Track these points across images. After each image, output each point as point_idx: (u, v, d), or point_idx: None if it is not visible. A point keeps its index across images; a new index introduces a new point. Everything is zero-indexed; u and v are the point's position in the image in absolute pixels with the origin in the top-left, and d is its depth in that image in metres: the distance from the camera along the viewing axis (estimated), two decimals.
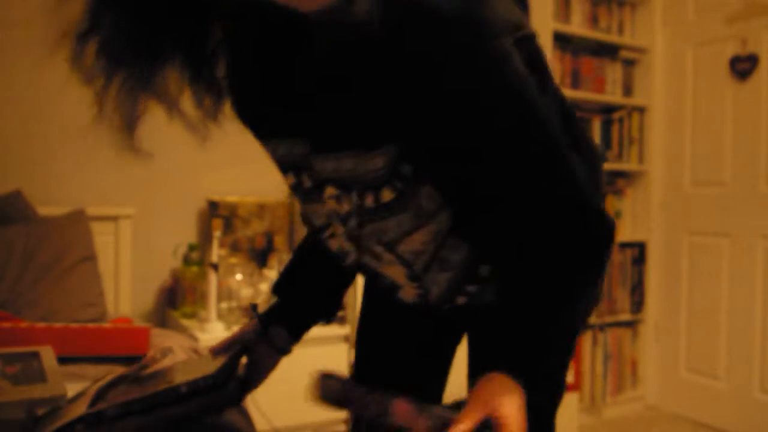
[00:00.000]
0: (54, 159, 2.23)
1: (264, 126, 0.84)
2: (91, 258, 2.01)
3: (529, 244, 0.76)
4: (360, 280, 2.31)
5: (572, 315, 0.80)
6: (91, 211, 2.16)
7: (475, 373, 0.96)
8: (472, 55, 0.65)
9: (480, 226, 0.82)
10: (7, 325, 1.40)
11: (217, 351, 0.98)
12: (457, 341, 1.09)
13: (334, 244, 0.88)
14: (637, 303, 3.08)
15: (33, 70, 2.19)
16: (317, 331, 2.20)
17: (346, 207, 0.79)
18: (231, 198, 2.39)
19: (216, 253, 2.07)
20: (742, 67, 2.73)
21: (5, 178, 2.14)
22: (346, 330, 2.24)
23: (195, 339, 1.92)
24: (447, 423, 0.67)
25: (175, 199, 2.43)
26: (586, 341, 2.91)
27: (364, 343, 1.11)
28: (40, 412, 0.90)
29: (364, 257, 0.86)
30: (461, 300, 0.90)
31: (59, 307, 1.83)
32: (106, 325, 1.52)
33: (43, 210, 2.08)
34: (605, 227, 0.76)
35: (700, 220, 2.94)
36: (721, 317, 2.82)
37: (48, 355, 1.17)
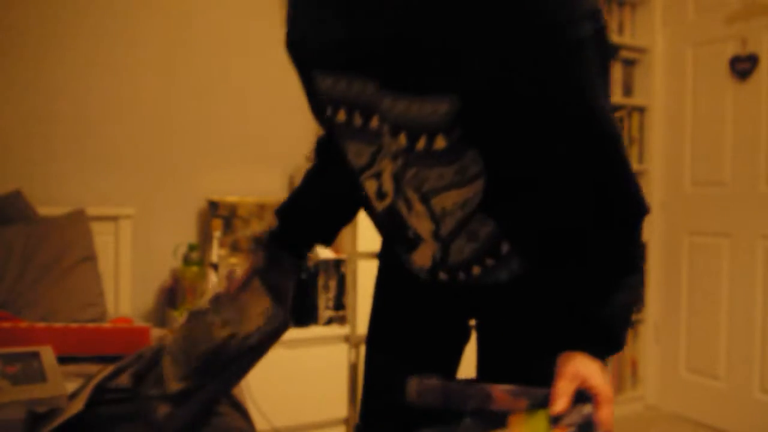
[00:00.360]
0: (54, 159, 2.23)
1: (329, 58, 0.83)
2: (91, 258, 2.01)
3: (581, 226, 0.81)
4: (361, 282, 2.31)
5: (630, 289, 0.82)
6: (91, 211, 2.16)
7: (485, 364, 1.00)
8: (554, 33, 0.69)
9: (518, 204, 0.85)
10: (7, 325, 1.40)
11: (236, 291, 1.01)
12: (467, 339, 1.10)
13: (372, 186, 0.89)
14: None
15: (33, 70, 2.19)
16: (317, 331, 2.21)
17: (393, 147, 0.81)
18: (231, 198, 2.39)
19: (216, 253, 2.07)
20: (742, 67, 2.73)
21: (5, 178, 2.14)
22: (346, 330, 2.24)
23: None
24: (545, 400, 0.73)
25: (175, 199, 2.43)
26: None
27: (376, 346, 1.12)
28: (40, 411, 0.90)
29: (398, 202, 0.88)
30: (476, 270, 0.92)
31: (59, 307, 1.83)
32: (106, 325, 1.52)
33: (43, 210, 2.08)
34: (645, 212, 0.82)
35: (700, 220, 2.94)
36: (721, 317, 2.82)
37: (48, 355, 1.16)
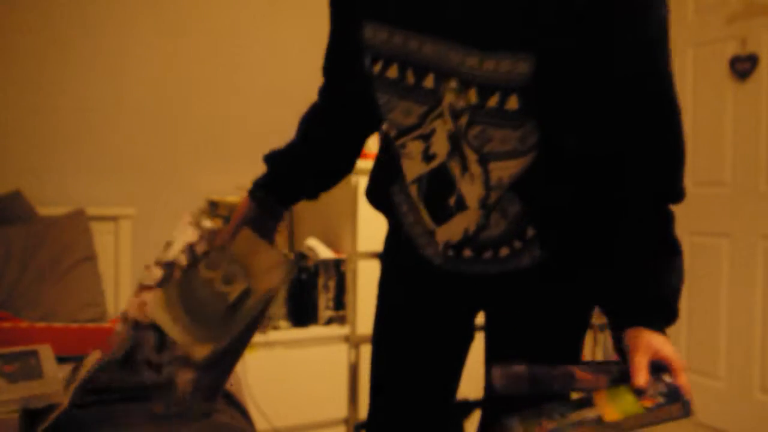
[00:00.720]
0: (54, 159, 2.23)
1: (388, 10, 0.81)
2: (91, 258, 2.01)
3: (634, 197, 0.83)
4: (361, 282, 2.30)
5: (679, 270, 0.85)
6: (91, 211, 2.15)
7: (496, 355, 1.00)
8: (644, 11, 0.75)
9: (559, 186, 0.87)
10: (7, 325, 1.40)
11: (226, 243, 1.01)
12: (472, 338, 1.10)
13: (418, 147, 0.87)
14: None
15: (33, 70, 2.19)
16: (317, 331, 2.20)
17: (461, 103, 0.79)
18: (231, 198, 2.39)
19: None
20: (742, 67, 2.73)
21: (5, 178, 2.14)
22: (346, 330, 2.24)
23: None
24: (622, 375, 0.77)
25: (175, 199, 2.43)
26: (586, 341, 2.91)
27: (384, 347, 1.11)
28: (36, 407, 0.89)
29: (450, 162, 0.86)
30: (503, 251, 0.93)
31: (59, 307, 1.83)
32: (106, 325, 1.52)
33: (43, 210, 2.08)
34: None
35: (700, 220, 2.94)
36: (721, 317, 2.82)
37: (46, 353, 1.16)
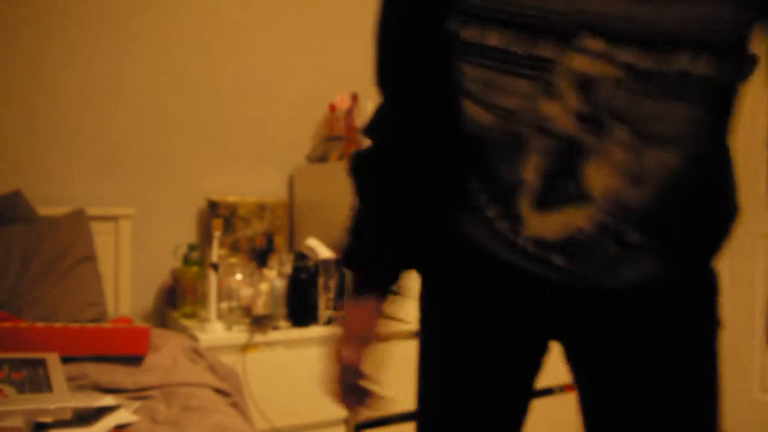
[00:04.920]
0: (54, 159, 2.23)
1: None
2: (91, 258, 2.01)
3: None
4: None
5: None
6: (91, 211, 2.16)
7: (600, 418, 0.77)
8: None
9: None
10: (7, 325, 1.40)
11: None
12: (538, 371, 0.85)
13: (529, 132, 0.64)
14: None
15: (33, 70, 2.19)
16: (317, 331, 2.20)
17: (608, 69, 0.57)
18: (231, 198, 2.39)
19: (216, 253, 2.07)
20: None
21: (5, 178, 2.14)
22: None
23: (195, 339, 1.92)
24: None
25: (175, 199, 2.43)
26: None
27: (429, 385, 0.87)
28: (45, 421, 0.89)
29: (583, 138, 0.62)
30: (598, 256, 0.67)
31: (59, 307, 1.83)
32: (106, 325, 1.52)
33: (43, 210, 2.08)
34: None
35: None
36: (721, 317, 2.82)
37: (54, 363, 1.16)
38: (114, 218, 2.24)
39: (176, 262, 2.37)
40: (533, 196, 0.67)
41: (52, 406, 0.98)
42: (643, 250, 0.66)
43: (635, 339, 0.73)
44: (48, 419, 0.94)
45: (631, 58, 0.56)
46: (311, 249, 2.24)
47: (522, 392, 0.84)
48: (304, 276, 2.18)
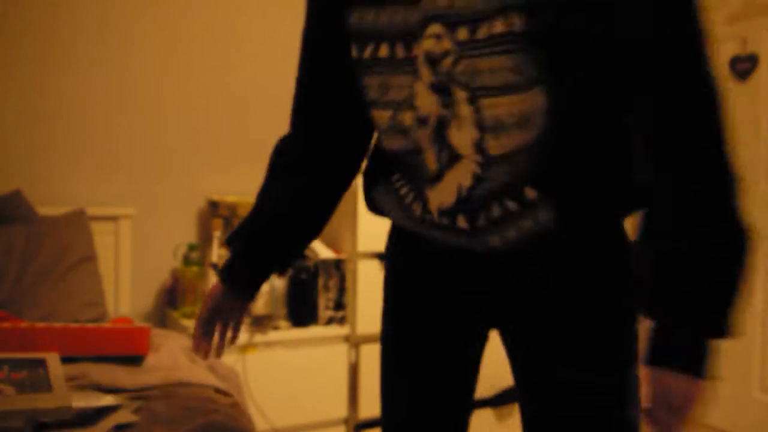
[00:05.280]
0: (54, 159, 2.23)
1: None
2: (91, 258, 2.01)
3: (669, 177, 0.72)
4: (361, 282, 2.30)
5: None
6: (91, 211, 2.16)
7: (524, 369, 0.86)
8: None
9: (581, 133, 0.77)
10: (7, 325, 1.40)
11: (203, 332, 1.01)
12: (485, 342, 0.97)
13: (410, 117, 0.81)
14: None
15: (33, 70, 2.19)
16: (317, 331, 2.21)
17: (446, 45, 0.75)
18: (231, 198, 2.39)
19: (216, 253, 2.07)
20: (742, 67, 2.73)
21: (5, 178, 2.14)
22: (346, 330, 2.24)
23: None
24: None
25: (175, 199, 2.43)
26: None
27: (392, 361, 0.99)
28: (45, 421, 0.89)
29: (441, 113, 0.78)
30: (496, 211, 0.79)
31: (59, 307, 1.83)
32: (106, 325, 1.52)
33: (43, 210, 2.08)
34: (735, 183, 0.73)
35: None
36: None
37: (54, 363, 1.16)
38: (114, 218, 2.25)
39: (176, 262, 2.37)
40: (429, 177, 0.83)
41: (52, 406, 0.97)
42: (537, 203, 0.77)
43: (539, 298, 0.83)
44: (48, 419, 0.94)
45: (461, 34, 0.73)
46: (311, 249, 2.24)
47: (467, 363, 0.95)
48: (304, 276, 2.18)
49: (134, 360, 1.47)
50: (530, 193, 0.77)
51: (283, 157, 1.03)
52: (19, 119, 2.18)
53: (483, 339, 0.96)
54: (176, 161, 2.43)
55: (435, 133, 0.79)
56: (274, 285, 2.14)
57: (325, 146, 1.00)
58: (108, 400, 1.16)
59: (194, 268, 2.25)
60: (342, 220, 2.31)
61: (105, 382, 1.30)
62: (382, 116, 0.85)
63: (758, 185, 2.70)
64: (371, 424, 2.27)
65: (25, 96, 2.19)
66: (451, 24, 0.74)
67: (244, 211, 2.40)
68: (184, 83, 2.43)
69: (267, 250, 1.01)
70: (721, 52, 2.82)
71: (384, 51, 0.81)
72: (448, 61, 0.75)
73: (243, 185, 2.53)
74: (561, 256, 0.81)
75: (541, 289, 0.83)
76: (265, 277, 1.03)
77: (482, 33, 0.72)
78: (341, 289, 2.24)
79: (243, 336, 2.01)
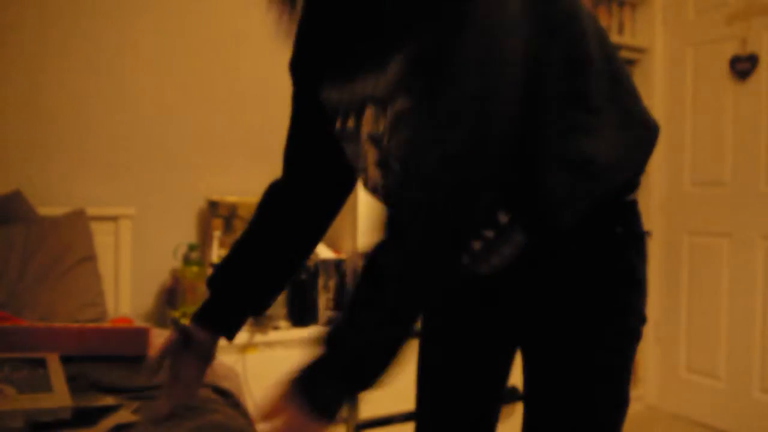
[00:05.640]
0: (54, 159, 2.23)
1: (326, 73, 0.90)
2: (91, 258, 2.01)
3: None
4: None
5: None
6: (91, 211, 2.15)
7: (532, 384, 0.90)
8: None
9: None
10: (7, 325, 1.40)
11: (152, 366, 1.01)
12: (515, 351, 1.01)
13: (370, 183, 0.89)
14: None
15: (33, 70, 2.19)
16: (317, 331, 2.20)
17: (382, 126, 0.80)
18: (231, 198, 2.39)
19: (216, 253, 2.07)
20: (742, 67, 2.73)
21: (5, 178, 2.14)
22: None
23: None
24: None
25: (175, 199, 2.43)
26: None
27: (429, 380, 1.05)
28: (45, 420, 0.89)
29: (385, 183, 0.84)
30: (476, 246, 0.82)
31: (59, 307, 1.83)
32: (106, 325, 1.52)
33: (43, 210, 2.08)
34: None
35: (700, 220, 2.94)
36: (721, 317, 2.82)
37: (54, 363, 1.16)
38: (114, 218, 2.24)
39: (176, 262, 2.37)
40: None
41: (52, 406, 0.97)
42: (511, 227, 0.79)
43: (540, 310, 0.86)
44: (48, 419, 0.94)
45: (390, 113, 0.78)
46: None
47: (495, 374, 1.01)
48: (304, 276, 2.18)
49: (134, 360, 1.47)
50: (503, 217, 0.79)
51: (272, 198, 1.11)
52: (19, 119, 2.18)
53: (507, 356, 1.01)
54: (176, 161, 2.43)
55: (385, 199, 0.86)
56: None
57: (310, 191, 1.08)
58: (108, 400, 1.16)
59: (194, 268, 2.25)
60: (342, 220, 2.31)
61: (105, 382, 1.30)
62: (359, 176, 0.93)
63: (758, 185, 2.70)
64: (371, 424, 2.26)
65: (25, 96, 2.19)
66: (383, 103, 0.79)
67: (243, 211, 2.40)
68: (184, 83, 2.43)
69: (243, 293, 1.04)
70: (721, 52, 2.82)
71: (350, 123, 0.87)
72: (385, 140, 0.80)
73: (243, 185, 2.52)
74: (551, 268, 0.83)
75: (539, 300, 0.85)
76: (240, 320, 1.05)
77: (400, 105, 0.76)
78: (341, 289, 2.24)
79: (243, 336, 2.01)
